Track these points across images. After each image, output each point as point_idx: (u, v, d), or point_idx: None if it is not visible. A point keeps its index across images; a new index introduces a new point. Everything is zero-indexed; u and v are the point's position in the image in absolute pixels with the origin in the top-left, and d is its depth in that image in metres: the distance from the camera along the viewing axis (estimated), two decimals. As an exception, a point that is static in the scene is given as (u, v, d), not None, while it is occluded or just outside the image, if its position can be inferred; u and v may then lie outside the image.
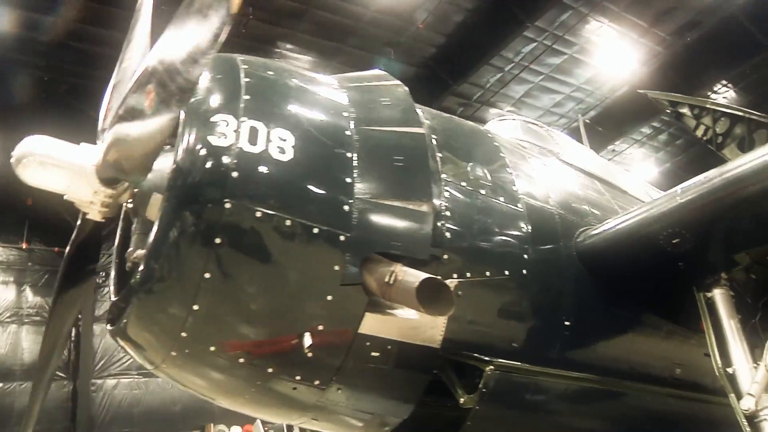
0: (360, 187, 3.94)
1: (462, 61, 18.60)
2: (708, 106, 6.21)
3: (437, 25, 17.87)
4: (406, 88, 4.78)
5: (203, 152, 3.62)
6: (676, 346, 5.12)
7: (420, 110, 4.98)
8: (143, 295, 3.70)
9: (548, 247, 4.83)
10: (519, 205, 4.78)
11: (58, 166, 3.75)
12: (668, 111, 6.76)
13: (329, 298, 3.76)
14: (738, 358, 4.39)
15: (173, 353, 3.82)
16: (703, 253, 4.76)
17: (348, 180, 3.94)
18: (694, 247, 4.66)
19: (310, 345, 3.74)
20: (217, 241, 3.57)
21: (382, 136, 4.27)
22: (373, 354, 4.00)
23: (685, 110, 6.57)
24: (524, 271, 4.55)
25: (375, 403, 4.30)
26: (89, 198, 3.87)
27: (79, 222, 4.32)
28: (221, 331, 3.76)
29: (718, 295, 4.63)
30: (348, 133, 4.13)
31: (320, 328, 3.81)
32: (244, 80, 4.00)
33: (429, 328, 4.16)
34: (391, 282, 3.63)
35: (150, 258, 3.64)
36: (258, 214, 3.63)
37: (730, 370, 4.35)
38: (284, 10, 15.85)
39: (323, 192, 3.87)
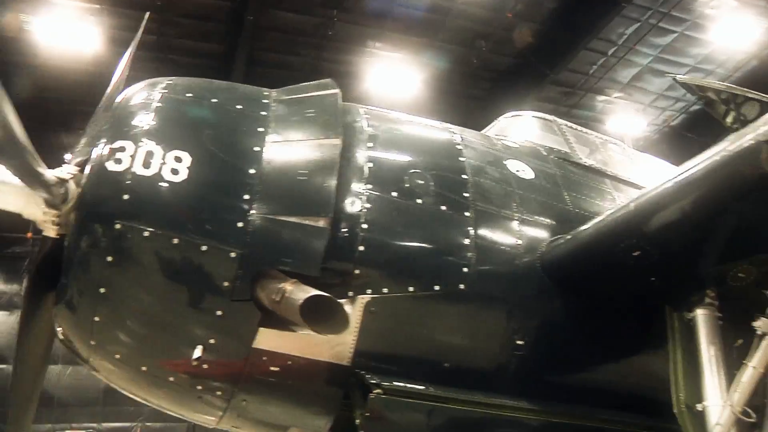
0: (259, 204, 3.89)
1: (557, 48, 17.52)
2: (736, 92, 5.33)
3: (529, 13, 16.95)
4: (337, 98, 4.59)
5: (100, 178, 3.83)
6: (652, 374, 4.41)
7: (367, 117, 4.76)
8: (62, 306, 3.92)
9: (502, 259, 4.40)
10: (467, 213, 4.40)
11: (8, 190, 4.03)
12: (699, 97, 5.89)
13: (219, 313, 3.79)
14: (712, 394, 3.74)
15: (90, 358, 4.07)
16: (674, 267, 4.11)
17: (246, 197, 3.90)
18: (661, 260, 4.03)
19: (199, 358, 3.78)
20: (109, 259, 3.74)
21: (292, 150, 4.14)
22: (273, 369, 3.94)
23: (714, 96, 5.71)
24: (462, 286, 4.18)
25: (289, 417, 4.23)
26: (41, 217, 4.11)
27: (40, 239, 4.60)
28: (120, 342, 3.92)
29: (701, 316, 4.05)
30: (256, 149, 4.07)
31: (212, 341, 3.84)
32: (155, 105, 4.09)
33: (335, 345, 3.99)
34: (278, 299, 3.54)
35: (62, 273, 3.85)
36: (146, 234, 3.73)
37: (699, 406, 3.80)
38: (368, 9, 15.83)
39: (216, 210, 3.88)
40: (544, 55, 17.90)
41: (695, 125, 21.22)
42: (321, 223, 3.85)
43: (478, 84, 19.16)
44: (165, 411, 4.39)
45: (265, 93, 4.66)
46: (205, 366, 3.86)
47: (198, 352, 3.77)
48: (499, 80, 18.97)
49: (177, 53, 16.43)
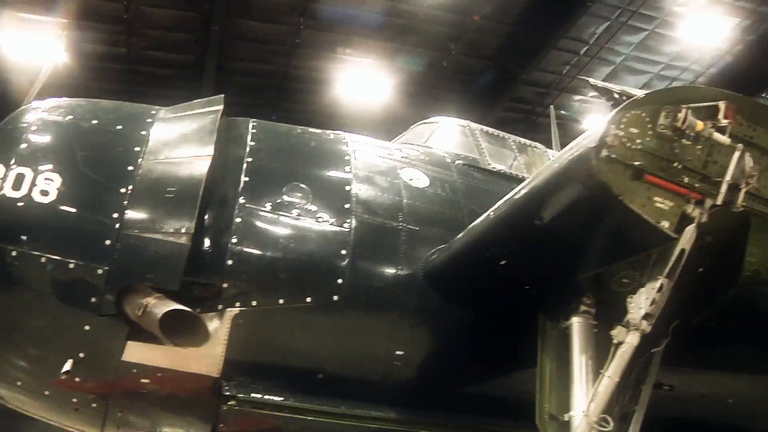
0: (128, 221, 4.01)
1: (526, 49, 17.54)
2: (631, 93, 5.36)
3: (498, 15, 16.99)
4: (217, 115, 4.67)
5: None
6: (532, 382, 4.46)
7: (253, 132, 4.86)
8: None
9: (380, 269, 4.48)
10: (346, 225, 4.48)
11: None
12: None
13: (87, 328, 3.90)
14: (579, 404, 3.79)
15: None
16: (544, 275, 4.17)
17: (115, 215, 4.01)
18: (529, 268, 4.10)
19: (68, 371, 3.89)
20: None
21: (164, 168, 4.25)
22: (144, 381, 4.04)
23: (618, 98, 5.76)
24: (336, 297, 4.26)
25: (168, 427, 4.29)
26: None
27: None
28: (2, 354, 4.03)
29: (575, 324, 4.09)
30: (130, 168, 4.17)
31: (81, 356, 3.96)
32: (32, 129, 4.24)
33: (204, 357, 4.08)
34: (140, 313, 3.66)
35: None
36: (14, 254, 3.84)
37: (566, 416, 3.83)
38: (334, 17, 15.92)
39: (84, 228, 3.99)
40: (514, 56, 17.95)
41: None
42: (182, 239, 3.95)
43: (451, 86, 19.18)
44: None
45: (152, 112, 4.76)
46: (77, 379, 3.98)
47: (67, 366, 3.90)
48: (472, 82, 19.02)
49: (148, 65, 16.57)
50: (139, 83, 16.90)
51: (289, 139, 5.06)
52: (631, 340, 3.60)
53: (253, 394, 3.93)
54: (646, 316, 3.59)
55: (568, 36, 17.46)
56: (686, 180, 3.51)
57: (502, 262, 4.05)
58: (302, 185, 4.54)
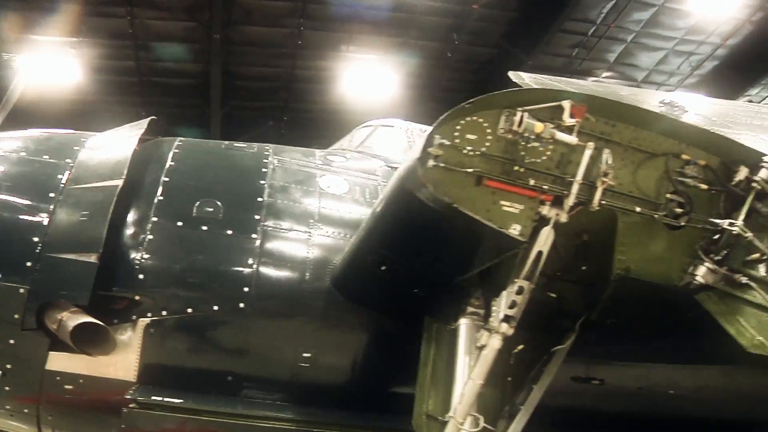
0: (47, 244, 4.45)
1: (531, 34, 17.44)
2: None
3: (499, 2, 16.96)
4: (135, 140, 5.05)
5: None
6: None
7: (175, 151, 5.23)
8: None
9: (287, 276, 4.79)
10: (254, 236, 4.82)
11: None
12: None
13: (11, 341, 4.35)
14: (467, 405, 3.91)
15: None
16: (426, 278, 4.40)
17: (35, 239, 4.45)
18: (406, 273, 4.35)
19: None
20: None
21: (80, 194, 4.68)
22: (67, 387, 4.47)
23: None
24: (242, 305, 4.61)
25: (95, 428, 4.73)
26: None
27: None
28: None
29: (462, 325, 4.19)
30: (52, 195, 4.62)
31: (8, 366, 4.42)
32: None
33: (120, 364, 4.49)
34: (56, 327, 4.12)
35: None
36: None
37: (446, 417, 3.94)
38: (333, 16, 16.23)
39: (9, 252, 4.43)
40: (520, 42, 17.87)
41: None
42: (92, 258, 4.36)
43: (460, 77, 19.28)
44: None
45: (82, 140, 5.20)
46: (6, 388, 4.48)
47: None
48: (481, 71, 19.04)
49: (158, 75, 17.27)
50: (151, 94, 17.66)
51: (209, 156, 5.42)
52: (493, 343, 3.72)
53: (153, 397, 4.33)
54: (506, 319, 3.70)
55: (573, 17, 17.29)
56: (532, 182, 3.62)
57: (383, 268, 4.32)
58: (215, 200, 4.89)
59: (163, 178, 4.97)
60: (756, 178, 3.78)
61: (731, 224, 3.72)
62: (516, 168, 3.59)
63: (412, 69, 18.39)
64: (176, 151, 5.27)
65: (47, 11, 14.79)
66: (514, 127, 3.46)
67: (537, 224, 3.70)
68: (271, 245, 4.82)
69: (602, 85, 6.25)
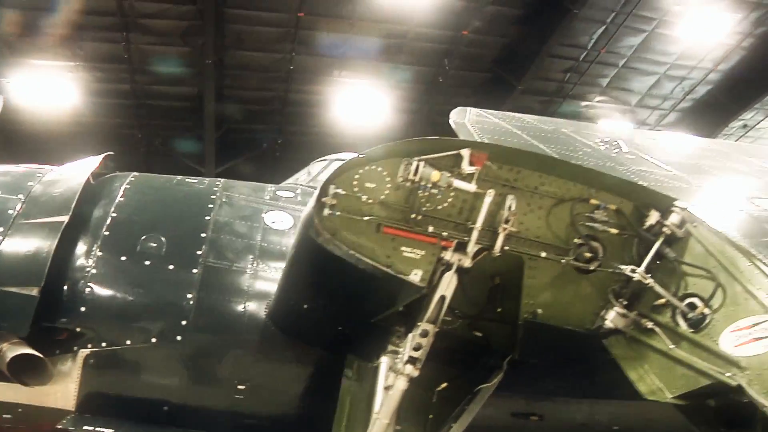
0: None
1: (520, 59, 17.73)
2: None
3: (489, 28, 17.27)
4: (86, 176, 5.30)
5: None
6: None
7: (126, 187, 5.49)
8: None
9: (224, 311, 5.00)
10: (195, 270, 5.04)
11: None
12: None
13: None
14: None
15: None
16: (343, 316, 4.60)
17: None
18: (326, 312, 4.56)
19: None
20: None
21: (28, 228, 4.92)
22: (5, 416, 4.68)
23: None
24: (179, 338, 4.83)
25: None
26: None
27: None
28: None
29: (383, 363, 4.29)
30: (1, 229, 4.86)
31: None
32: None
33: (60, 393, 4.70)
34: None
35: None
36: None
37: None
38: (323, 43, 16.59)
39: (-44, 285, 4.66)
40: (511, 67, 18.16)
41: (691, 120, 20.89)
42: (33, 291, 4.60)
43: (452, 101, 19.43)
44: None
45: (38, 174, 5.47)
46: None
47: None
48: (473, 95, 19.29)
49: (154, 98, 17.68)
50: (147, 116, 18.08)
51: (160, 191, 5.67)
52: (399, 384, 3.87)
53: (85, 427, 4.55)
54: (411, 360, 3.86)
55: (564, 43, 17.57)
56: (431, 229, 3.82)
57: (305, 306, 4.52)
58: (159, 236, 5.12)
59: (112, 214, 5.21)
60: (666, 222, 3.96)
61: (633, 270, 3.88)
62: (413, 216, 3.78)
63: (404, 94, 18.71)
64: (127, 186, 5.52)
65: (45, 36, 15.27)
66: (410, 176, 3.65)
67: (442, 268, 3.89)
68: (211, 280, 5.03)
69: (552, 122, 6.39)
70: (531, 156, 4.03)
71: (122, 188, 5.50)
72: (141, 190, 5.56)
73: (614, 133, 6.43)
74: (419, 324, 3.88)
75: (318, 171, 6.72)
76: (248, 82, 17.70)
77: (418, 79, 18.50)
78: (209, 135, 18.08)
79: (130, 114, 17.89)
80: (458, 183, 3.75)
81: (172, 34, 15.65)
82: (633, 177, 4.57)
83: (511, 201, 3.83)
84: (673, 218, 3.94)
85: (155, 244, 5.10)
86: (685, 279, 3.82)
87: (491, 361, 4.80)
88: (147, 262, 5.02)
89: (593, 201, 4.01)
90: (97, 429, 4.54)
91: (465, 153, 3.74)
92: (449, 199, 3.85)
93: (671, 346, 3.69)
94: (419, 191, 3.76)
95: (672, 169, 4.96)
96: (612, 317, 4.00)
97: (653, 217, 3.97)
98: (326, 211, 3.69)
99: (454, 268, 3.86)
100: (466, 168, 3.75)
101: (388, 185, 3.78)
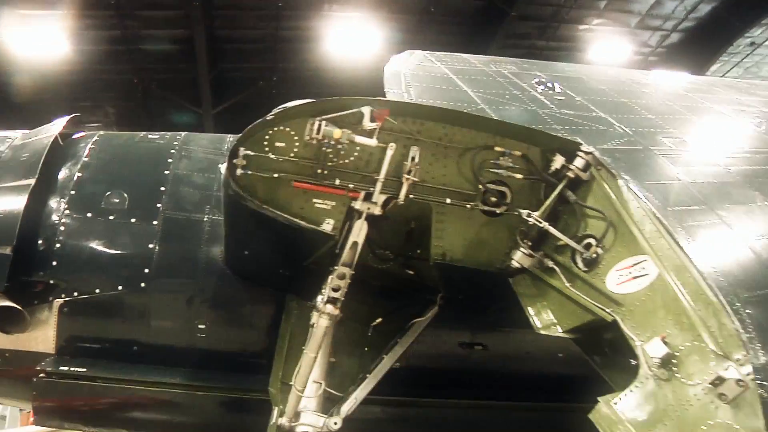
0: None
1: (513, -16, 17.45)
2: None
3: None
4: (49, 140, 5.71)
5: None
6: None
7: (91, 147, 5.91)
8: None
9: (184, 258, 5.50)
10: (155, 222, 5.53)
11: None
12: None
13: None
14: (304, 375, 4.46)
15: None
16: (279, 261, 5.09)
17: None
18: (263, 258, 5.04)
19: None
20: None
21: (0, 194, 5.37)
22: None
23: None
24: (143, 284, 5.36)
25: (22, 396, 5.57)
26: None
27: None
28: None
29: (319, 302, 4.62)
30: None
31: None
32: None
33: (40, 339, 5.30)
34: None
35: None
36: None
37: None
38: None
39: (-62, 245, 5.19)
40: (503, -9, 17.90)
41: (695, 40, 20.53)
42: (6, 250, 5.11)
43: (445, 30, 19.39)
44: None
45: (8, 140, 5.91)
46: None
47: None
48: (465, 24, 19.13)
49: (147, 42, 17.83)
50: (141, 61, 18.27)
51: (122, 149, 6.07)
52: (321, 322, 4.31)
53: (60, 367, 5.14)
54: (330, 300, 4.29)
55: (557, -34, 17.23)
56: (338, 181, 4.20)
57: (245, 252, 4.99)
58: (122, 191, 5.58)
59: (77, 173, 5.67)
60: (571, 166, 4.25)
61: (528, 215, 4.22)
62: (320, 170, 4.16)
63: (396, 25, 18.59)
64: (92, 147, 5.94)
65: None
66: (314, 135, 4.00)
67: (354, 216, 4.26)
68: (170, 230, 5.51)
69: (498, 62, 6.50)
70: (433, 109, 4.33)
71: (87, 148, 5.93)
72: (105, 149, 5.98)
73: (576, 72, 6.54)
74: (335, 267, 4.27)
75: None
76: (238, 22, 17.75)
77: (410, 9, 18.36)
78: (203, 76, 18.29)
79: (124, 60, 18.10)
80: (360, 139, 4.07)
81: (157, -23, 15.68)
82: (552, 119, 4.84)
83: (414, 152, 4.16)
84: (578, 162, 4.22)
85: (118, 200, 5.56)
86: (586, 221, 4.13)
87: (427, 296, 5.28)
88: (111, 217, 5.50)
89: (498, 148, 4.31)
90: (72, 369, 5.14)
91: (366, 110, 4.03)
92: (355, 153, 4.19)
93: (567, 284, 4.03)
94: (324, 148, 4.10)
95: (599, 110, 5.19)
96: (518, 257, 4.35)
97: (558, 161, 4.24)
98: (239, 171, 4.08)
99: (364, 216, 4.23)
100: (368, 124, 4.04)
101: (296, 143, 4.13)
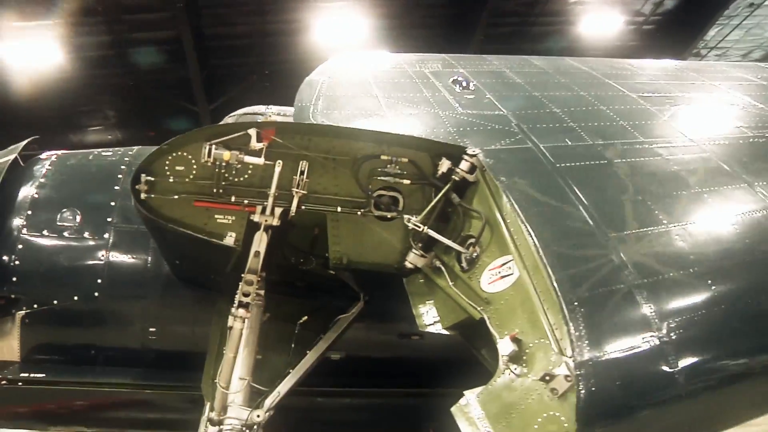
0: None
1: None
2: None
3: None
4: (8, 163, 6.27)
5: None
6: None
7: (48, 167, 6.46)
8: None
9: (132, 268, 6.05)
10: (106, 236, 6.07)
11: None
12: None
13: None
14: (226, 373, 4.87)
15: None
16: (207, 269, 5.57)
17: None
18: (195, 263, 5.54)
19: None
20: None
21: None
22: None
23: None
24: (96, 294, 5.92)
25: None
26: None
27: None
28: None
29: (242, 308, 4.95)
30: None
31: None
32: None
33: (6, 348, 5.91)
34: None
35: None
36: None
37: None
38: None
39: None
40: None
41: (692, 5, 20.42)
42: None
43: (430, 12, 19.60)
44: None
45: None
46: None
47: None
48: (450, 5, 19.30)
49: (136, 45, 18.40)
50: (134, 64, 18.86)
51: (77, 168, 6.61)
52: (236, 324, 4.69)
53: (21, 374, 5.75)
54: (241, 305, 4.68)
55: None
56: (234, 198, 4.64)
57: (177, 262, 5.51)
58: (75, 209, 6.13)
59: (33, 195, 6.23)
60: (457, 169, 4.58)
61: (408, 220, 4.59)
62: (216, 189, 4.63)
63: (382, 11, 18.87)
64: (49, 167, 6.50)
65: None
66: (206, 158, 4.47)
67: (251, 230, 4.67)
68: (120, 243, 6.06)
69: (423, 61, 6.74)
70: (314, 127, 4.76)
71: (44, 168, 6.48)
72: (60, 169, 6.53)
73: (501, 65, 6.79)
74: (243, 275, 4.70)
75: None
76: (223, 19, 18.20)
77: (394, -5, 18.63)
78: (194, 75, 18.83)
79: (116, 63, 18.71)
80: (249, 158, 4.49)
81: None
82: (450, 121, 5.15)
83: (303, 166, 4.57)
84: (463, 165, 4.54)
85: (71, 217, 6.11)
86: (470, 222, 4.45)
87: (352, 294, 5.73)
88: (65, 233, 6.06)
89: (384, 156, 4.66)
90: (31, 375, 5.74)
91: (252, 132, 4.45)
92: (249, 171, 4.61)
93: (450, 284, 4.34)
94: (218, 169, 4.57)
95: (504, 108, 5.49)
96: (412, 258, 4.70)
97: (445, 165, 4.57)
98: (143, 195, 4.58)
99: (262, 227, 4.67)
100: (255, 144, 4.46)
101: (194, 166, 4.58)
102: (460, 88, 5.91)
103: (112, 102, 20.33)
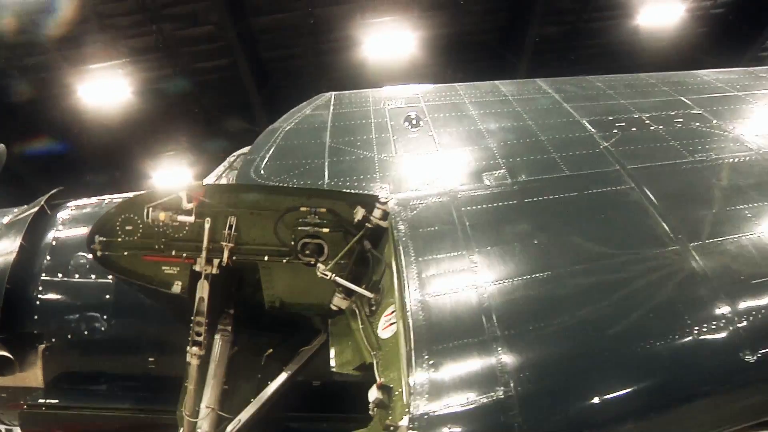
0: None
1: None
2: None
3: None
4: (30, 216, 7.38)
5: None
6: None
7: (66, 215, 7.55)
8: None
9: (133, 304, 6.97)
10: (110, 277, 7.06)
11: None
12: None
13: None
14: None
15: None
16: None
17: None
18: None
19: None
20: None
21: None
22: (2, 395, 7.04)
23: None
24: (104, 327, 6.92)
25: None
26: None
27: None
28: None
29: (215, 341, 5.80)
30: None
31: None
32: None
33: (32, 377, 7.00)
34: None
35: None
36: None
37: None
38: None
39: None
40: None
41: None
42: None
43: (485, 18, 19.80)
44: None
45: (10, 213, 7.67)
46: None
47: None
48: (501, 10, 19.42)
49: (198, 75, 19.94)
50: (198, 92, 20.43)
51: (89, 215, 7.62)
52: (193, 361, 5.47)
53: (40, 400, 6.78)
54: (194, 343, 5.41)
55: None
56: (174, 252, 5.32)
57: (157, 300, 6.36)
58: (83, 255, 7.14)
59: (52, 242, 7.31)
60: (371, 217, 4.97)
61: (318, 268, 5.00)
62: (157, 246, 5.36)
63: (430, 22, 19.33)
64: (67, 215, 7.57)
65: (91, 43, 17.90)
66: (146, 219, 5.21)
67: (194, 279, 5.34)
68: (118, 285, 6.99)
69: (385, 100, 7.08)
70: (240, 186, 5.37)
71: (64, 217, 7.56)
72: (76, 217, 7.59)
73: (467, 95, 7.03)
74: (192, 318, 5.42)
75: (232, 162, 8.30)
76: (276, 42, 19.34)
77: (440, 5, 19.00)
78: (253, 97, 20.10)
79: (182, 94, 20.32)
80: (181, 218, 5.18)
81: (187, 18, 17.57)
82: (380, 165, 5.52)
83: (231, 221, 5.20)
84: (376, 213, 4.94)
85: (83, 261, 7.14)
86: (382, 267, 4.82)
87: (316, 327, 6.33)
88: (77, 275, 7.09)
89: (303, 208, 5.18)
90: (48, 401, 6.79)
91: (182, 194, 5.14)
92: (186, 228, 5.29)
93: (360, 327, 4.70)
94: (158, 228, 5.30)
95: (441, 147, 5.75)
96: (336, 300, 5.14)
97: (359, 213, 5.00)
98: (98, 253, 5.41)
99: (203, 276, 5.33)
100: (186, 205, 5.15)
101: (141, 226, 5.35)
102: (408, 127, 6.27)
103: (183, 129, 22.04)
